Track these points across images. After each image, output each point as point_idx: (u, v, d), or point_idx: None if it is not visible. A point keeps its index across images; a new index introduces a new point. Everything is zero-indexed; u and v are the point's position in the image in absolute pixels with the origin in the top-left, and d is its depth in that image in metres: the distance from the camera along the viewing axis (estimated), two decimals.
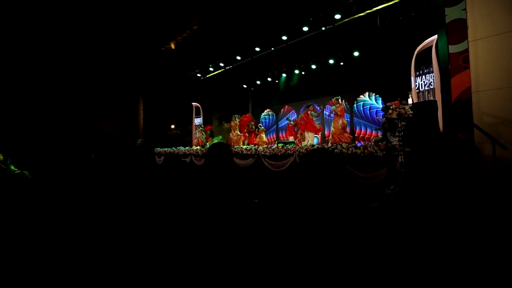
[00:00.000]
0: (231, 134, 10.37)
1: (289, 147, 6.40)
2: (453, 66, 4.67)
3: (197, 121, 16.50)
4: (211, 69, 13.68)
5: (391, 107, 4.10)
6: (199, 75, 14.67)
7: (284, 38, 10.36)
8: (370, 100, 11.98)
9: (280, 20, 9.99)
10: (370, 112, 11.86)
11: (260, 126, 11.88)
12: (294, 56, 12.56)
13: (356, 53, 11.11)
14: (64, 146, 13.58)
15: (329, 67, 12.41)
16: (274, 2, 9.32)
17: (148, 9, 11.09)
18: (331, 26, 9.71)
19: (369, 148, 4.96)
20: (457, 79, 4.64)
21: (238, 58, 12.27)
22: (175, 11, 10.81)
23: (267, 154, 6.83)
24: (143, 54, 14.18)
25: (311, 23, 9.58)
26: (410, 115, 4.01)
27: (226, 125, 11.20)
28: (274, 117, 16.35)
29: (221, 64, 13.06)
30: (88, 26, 12.72)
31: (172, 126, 16.51)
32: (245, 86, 16.05)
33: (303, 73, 13.32)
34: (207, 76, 15.18)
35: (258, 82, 15.57)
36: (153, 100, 15.15)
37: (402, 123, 4.27)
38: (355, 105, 12.51)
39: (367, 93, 12.07)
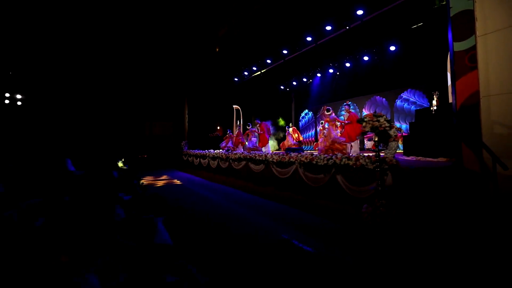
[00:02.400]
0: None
1: (292, 154, 6.24)
2: (458, 67, 3.93)
3: (237, 123, 17.05)
4: (245, 73, 13.97)
5: (365, 120, 3.67)
6: (236, 79, 15.12)
7: (309, 39, 9.96)
8: (413, 98, 10.72)
9: (304, 22, 9.65)
10: (411, 110, 10.62)
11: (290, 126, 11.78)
12: (328, 56, 11.97)
13: (392, 48, 10.05)
14: (124, 145, 15.57)
15: (365, 64, 11.50)
16: (298, 7, 9.06)
17: (182, 28, 12.01)
18: (359, 22, 8.99)
19: (360, 160, 4.54)
20: (463, 82, 3.89)
21: (269, 61, 12.26)
22: (205, 23, 11.42)
23: (275, 161, 6.77)
24: (186, 64, 15.27)
25: (335, 21, 9.03)
26: (386, 128, 3.53)
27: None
28: (312, 117, 15.87)
29: (254, 68, 13.22)
30: (141, 48, 14.31)
31: (218, 128, 17.43)
32: (282, 87, 15.93)
33: (338, 73, 12.60)
34: (245, 80, 15.54)
35: (295, 83, 15.31)
36: (196, 105, 16.19)
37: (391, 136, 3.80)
38: (395, 103, 11.36)
39: (409, 91, 10.82)
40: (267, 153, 7.16)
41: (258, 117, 14.66)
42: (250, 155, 7.87)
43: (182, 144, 15.16)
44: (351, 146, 7.64)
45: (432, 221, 3.54)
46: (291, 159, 6.18)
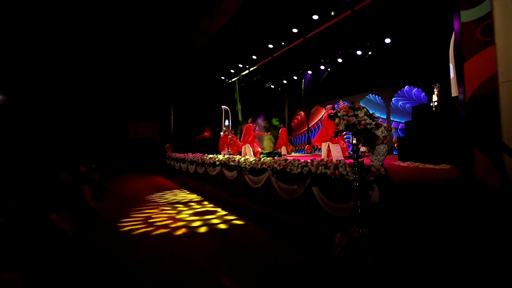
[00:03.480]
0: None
1: (264, 160, 5.18)
2: (467, 43, 2.87)
3: (226, 123, 16.05)
4: (232, 70, 12.96)
5: (338, 114, 2.62)
6: (222, 77, 14.10)
7: (295, 30, 8.91)
8: (411, 95, 9.65)
9: (290, 13, 8.62)
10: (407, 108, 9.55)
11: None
12: (318, 52, 10.94)
13: (387, 40, 8.99)
14: (103, 148, 14.57)
15: (358, 60, 10.44)
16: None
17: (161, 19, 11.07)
18: (349, 11, 7.95)
19: (340, 169, 3.48)
20: (473, 64, 2.83)
21: (254, 57, 11.24)
22: (184, 14, 10.43)
23: (247, 167, 5.71)
24: (172, 60, 14.27)
25: (322, 10, 7.99)
26: (368, 126, 2.48)
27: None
28: (305, 118, 14.81)
29: (240, 65, 12.22)
30: (122, 48, 13.35)
31: (207, 129, 16.40)
32: (272, 86, 14.89)
33: (328, 69, 11.54)
34: (233, 79, 14.53)
35: (287, 82, 14.28)
36: (183, 104, 15.17)
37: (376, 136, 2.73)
38: (391, 102, 10.29)
39: (406, 88, 9.75)
40: (240, 158, 6.11)
41: (249, 117, 13.64)
42: (225, 159, 6.83)
43: (167, 147, 14.15)
44: (328, 149, 6.57)
45: (435, 260, 2.47)
46: (264, 166, 5.12)
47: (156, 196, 7.00)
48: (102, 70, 14.36)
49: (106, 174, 12.12)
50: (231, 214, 4.91)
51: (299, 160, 4.32)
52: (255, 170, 5.44)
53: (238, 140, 8.88)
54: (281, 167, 4.59)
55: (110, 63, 14.33)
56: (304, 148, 13.77)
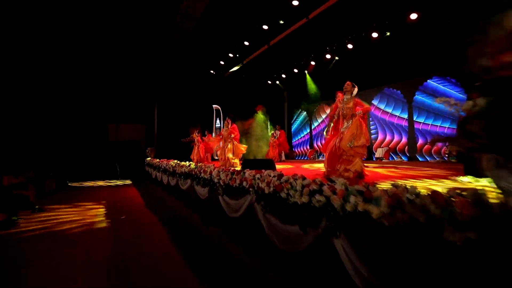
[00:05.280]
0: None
1: (246, 175, 3.07)
2: None
3: (217, 124, 14.04)
4: (221, 62, 10.93)
5: None
6: (212, 71, 12.08)
7: (295, 3, 6.88)
8: (441, 87, 7.59)
9: None
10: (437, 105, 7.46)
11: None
12: (323, 35, 8.91)
13: (413, 16, 6.97)
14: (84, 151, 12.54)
15: (372, 44, 8.39)
16: None
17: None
18: None
19: (409, 207, 1.37)
20: None
21: (247, 43, 9.21)
22: None
23: (221, 183, 3.61)
24: (156, 52, 12.23)
25: None
26: None
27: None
28: (306, 119, 12.74)
29: (231, 55, 10.19)
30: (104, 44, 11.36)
31: (197, 130, 14.37)
32: (269, 82, 12.86)
33: (336, 58, 9.48)
34: (225, 74, 12.51)
35: (286, 77, 12.24)
36: (168, 104, 13.13)
37: None
38: (416, 96, 8.23)
39: (434, 79, 7.70)
40: (214, 168, 4.01)
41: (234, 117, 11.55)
42: (196, 170, 4.73)
43: (148, 151, 12.09)
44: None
45: None
46: (244, 184, 3.02)
47: (97, 221, 4.88)
48: (76, 63, 12.32)
49: (67, 183, 10.06)
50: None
51: (304, 179, 2.20)
52: (231, 189, 3.34)
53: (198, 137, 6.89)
54: (272, 188, 2.49)
55: (85, 55, 12.29)
56: (305, 153, 11.70)
